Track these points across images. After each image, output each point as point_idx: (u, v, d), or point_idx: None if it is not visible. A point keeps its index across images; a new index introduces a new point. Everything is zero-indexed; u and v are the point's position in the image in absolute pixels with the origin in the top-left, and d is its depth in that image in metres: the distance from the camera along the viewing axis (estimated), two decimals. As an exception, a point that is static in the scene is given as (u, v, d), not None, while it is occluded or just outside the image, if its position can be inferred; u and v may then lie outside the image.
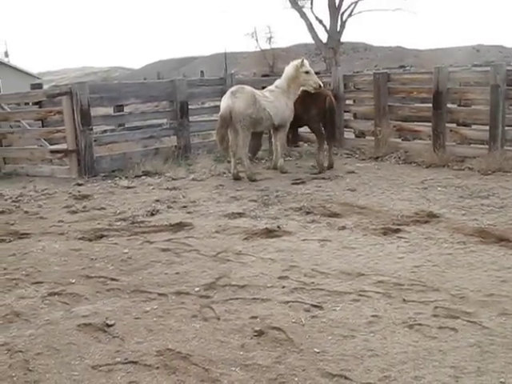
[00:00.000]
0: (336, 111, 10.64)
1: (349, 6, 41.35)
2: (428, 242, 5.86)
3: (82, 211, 7.87)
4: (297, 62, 9.89)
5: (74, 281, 5.16)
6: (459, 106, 11.57)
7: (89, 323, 4.24)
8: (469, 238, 5.91)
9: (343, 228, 6.48)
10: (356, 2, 41.57)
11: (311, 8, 41.16)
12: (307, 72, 9.76)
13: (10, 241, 6.58)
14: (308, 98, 9.95)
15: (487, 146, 9.76)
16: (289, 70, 9.96)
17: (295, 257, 5.55)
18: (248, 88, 9.66)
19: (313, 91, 9.83)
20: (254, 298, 4.58)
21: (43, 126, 11.91)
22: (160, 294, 4.75)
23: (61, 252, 6.04)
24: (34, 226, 7.17)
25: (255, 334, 3.97)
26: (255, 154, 11.11)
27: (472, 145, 10.38)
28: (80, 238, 6.51)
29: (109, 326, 4.19)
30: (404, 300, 4.43)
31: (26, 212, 7.98)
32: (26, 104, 12.86)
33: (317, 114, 10.13)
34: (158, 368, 3.59)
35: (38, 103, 12.00)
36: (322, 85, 9.79)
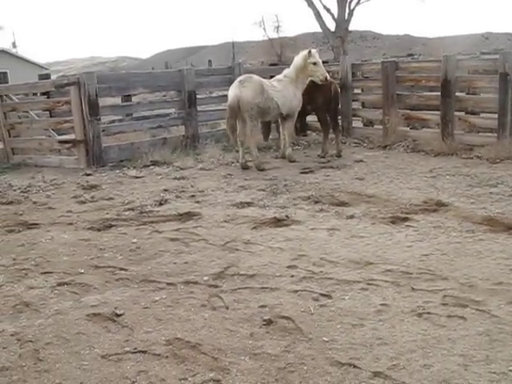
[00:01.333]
0: (340, 100, 10.77)
1: (357, -6, 41.08)
2: (436, 231, 5.84)
3: (90, 201, 7.89)
4: (305, 52, 9.85)
5: (82, 271, 5.18)
6: (468, 94, 11.48)
7: (98, 313, 4.26)
8: (477, 227, 5.89)
9: (351, 217, 6.47)
10: (364, -10, 41.30)
11: (319, -4, 40.88)
12: (315, 63, 9.72)
13: (19, 231, 6.61)
14: (314, 86, 9.96)
15: (496, 135, 9.70)
16: (297, 59, 9.94)
17: (304, 246, 5.55)
18: (256, 77, 9.63)
19: (319, 82, 9.81)
20: (263, 288, 4.58)
21: (51, 117, 11.93)
22: (169, 284, 4.77)
23: (69, 242, 6.07)
24: (43, 217, 7.20)
25: (264, 323, 3.97)
26: (266, 139, 11.15)
27: (480, 133, 10.31)
28: (89, 228, 6.54)
29: (118, 315, 4.21)
30: (413, 288, 4.42)
31: (35, 202, 8.01)
32: (34, 94, 12.90)
33: (323, 102, 10.21)
34: (167, 357, 3.60)
35: (46, 93, 12.02)
36: (328, 77, 9.76)
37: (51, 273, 5.17)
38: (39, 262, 5.48)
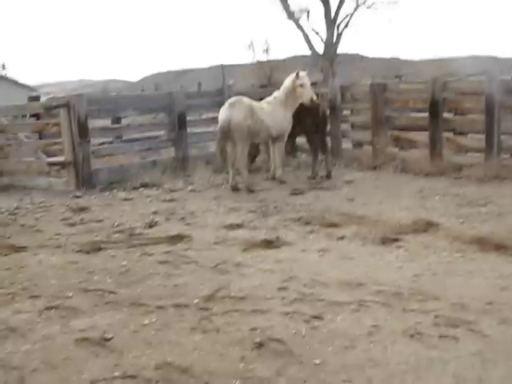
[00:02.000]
0: (328, 121, 10.86)
1: (344, 18, 41.60)
2: (427, 251, 5.84)
3: (79, 224, 7.83)
4: (294, 74, 9.92)
5: (71, 294, 5.12)
6: (455, 115, 11.58)
7: (86, 337, 4.19)
8: (468, 246, 5.89)
9: (342, 238, 6.46)
10: (351, 14, 41.82)
11: (307, 19, 41.37)
12: (302, 85, 9.78)
13: (7, 254, 6.52)
14: (302, 108, 10.02)
15: (484, 155, 9.77)
16: (286, 82, 10.03)
17: (294, 267, 5.52)
18: (246, 99, 9.69)
19: (308, 104, 9.86)
20: (254, 310, 4.54)
21: (40, 139, 11.90)
22: (159, 307, 4.71)
23: (58, 265, 6.00)
24: (31, 239, 7.13)
25: (255, 345, 3.93)
26: (253, 162, 11.17)
27: (469, 153, 10.39)
28: (77, 251, 6.47)
29: (107, 339, 4.15)
30: (404, 309, 4.40)
31: (23, 225, 7.94)
32: (24, 116, 12.87)
33: (312, 123, 10.29)
34: (157, 382, 3.55)
35: (36, 115, 12.00)
36: (314, 98, 9.81)
37: (39, 297, 5.10)
38: (27, 286, 5.40)
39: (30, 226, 7.84)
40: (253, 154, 11.07)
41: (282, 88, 10.06)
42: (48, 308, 4.81)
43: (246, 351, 3.87)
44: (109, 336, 4.18)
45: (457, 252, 5.75)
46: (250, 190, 9.38)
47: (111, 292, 5.12)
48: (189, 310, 4.61)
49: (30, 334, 4.32)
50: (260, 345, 3.93)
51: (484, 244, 5.91)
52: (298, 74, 9.81)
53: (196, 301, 4.78)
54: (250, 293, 4.90)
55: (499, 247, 5.78)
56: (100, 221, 7.90)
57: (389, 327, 4.11)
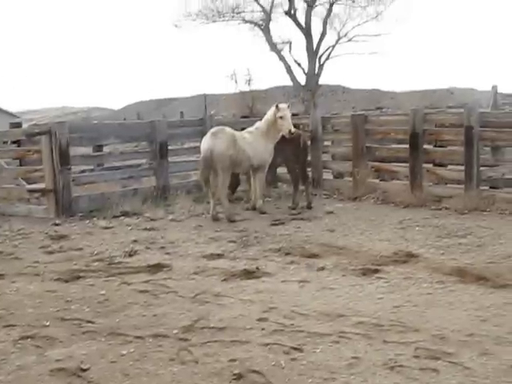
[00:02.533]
0: (309, 152, 10.92)
1: (326, 50, 42.20)
2: (407, 282, 5.85)
3: (58, 252, 7.75)
4: (274, 106, 10.00)
5: (48, 323, 5.03)
6: (435, 146, 11.73)
7: (62, 368, 4.11)
8: (448, 278, 5.92)
9: (322, 269, 6.45)
10: (333, 46, 42.45)
11: (290, 51, 41.90)
12: (281, 117, 9.86)
13: (-16, 282, 6.42)
14: (283, 138, 10.08)
15: (463, 186, 9.88)
16: (268, 114, 10.15)
17: (274, 298, 5.50)
18: (228, 129, 9.75)
19: (287, 136, 9.90)
20: (233, 341, 4.50)
21: (21, 165, 11.82)
22: (137, 337, 4.65)
23: (35, 293, 5.91)
24: (9, 267, 7.02)
25: (234, 377, 3.89)
26: (234, 192, 11.17)
27: (448, 185, 10.50)
28: (56, 279, 6.39)
29: (83, 370, 4.07)
30: (384, 341, 4.39)
31: (1, 252, 7.82)
32: (5, 143, 12.79)
33: (292, 154, 10.36)
34: (133, 414, 3.48)
35: (17, 142, 11.93)
36: (293, 130, 9.84)
37: (14, 326, 5.01)
38: (2, 315, 5.30)
39: (8, 254, 7.73)
40: (234, 185, 11.09)
41: (264, 119, 10.16)
42: (23, 337, 4.73)
43: (224, 383, 3.83)
44: (85, 366, 4.11)
45: (437, 283, 5.77)
46: (231, 220, 9.37)
47: (89, 321, 5.05)
48: (167, 341, 4.56)
49: (3, 365, 4.23)
50: (239, 376, 3.88)
51: (464, 275, 5.95)
52: (277, 106, 9.90)
53: (175, 331, 4.73)
54: (229, 323, 4.86)
55: (479, 278, 5.82)
56: (79, 249, 7.83)
57: (369, 359, 4.09)
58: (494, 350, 4.18)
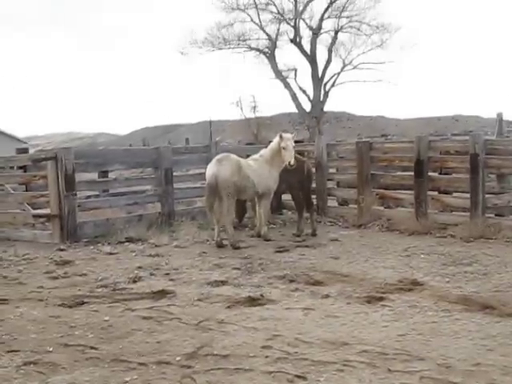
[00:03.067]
0: (313, 179, 10.96)
1: (331, 77, 42.55)
2: (412, 310, 5.81)
3: (62, 277, 7.74)
4: (278, 135, 10.04)
5: (51, 349, 5.02)
6: (440, 174, 11.75)
7: (65, 394, 4.09)
8: (453, 306, 5.88)
9: (327, 296, 6.42)
10: (338, 73, 42.81)
11: (295, 78, 42.25)
12: (284, 148, 9.90)
13: (-13, 307, 6.41)
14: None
15: (469, 214, 9.86)
16: (273, 142, 10.22)
17: (278, 326, 5.47)
18: (233, 156, 9.82)
19: (288, 167, 9.89)
20: (237, 369, 4.47)
21: (27, 190, 11.88)
22: (140, 364, 4.62)
23: (39, 319, 5.90)
24: (13, 292, 7.02)
25: (237, 405, 3.85)
26: (241, 220, 11.19)
27: (454, 212, 10.48)
28: (60, 305, 6.38)
29: (86, 397, 4.05)
30: (389, 370, 4.35)
31: (5, 277, 7.83)
32: (11, 168, 12.87)
33: (297, 181, 10.39)
34: None
35: (23, 167, 12.01)
36: (292, 163, 9.83)
37: (17, 351, 4.99)
38: (5, 340, 5.29)
39: (13, 279, 7.73)
40: (241, 212, 11.11)
41: (269, 147, 10.24)
42: (26, 363, 4.71)
43: (228, 411, 3.79)
44: (88, 394, 4.08)
45: (442, 311, 5.73)
46: (236, 247, 9.36)
47: (92, 347, 5.03)
48: (171, 368, 4.53)
49: (6, 391, 4.21)
50: (243, 405, 3.84)
51: (470, 304, 5.91)
52: (281, 136, 9.95)
53: (178, 358, 4.71)
54: (233, 351, 4.83)
55: (485, 307, 5.78)
56: (84, 275, 7.82)
57: (374, 388, 4.05)
58: (501, 380, 4.13)
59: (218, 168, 9.51)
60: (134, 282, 7.32)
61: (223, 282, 7.17)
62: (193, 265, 8.24)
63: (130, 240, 10.10)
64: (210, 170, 9.64)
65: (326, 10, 42.11)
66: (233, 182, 9.48)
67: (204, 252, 9.11)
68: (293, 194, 10.79)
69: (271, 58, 42.23)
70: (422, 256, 8.31)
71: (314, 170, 11.63)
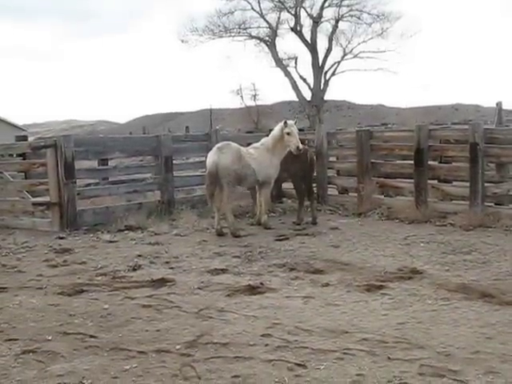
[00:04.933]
0: (315, 167, 10.93)
1: (332, 66, 42.45)
2: (412, 299, 5.81)
3: (62, 265, 7.74)
4: (282, 122, 10.00)
5: (50, 338, 5.02)
6: (440, 162, 11.72)
7: (64, 383, 4.09)
8: (453, 294, 5.88)
9: (327, 285, 6.42)
10: (339, 62, 42.69)
11: (295, 67, 42.14)
12: (289, 133, 9.87)
13: (-14, 295, 6.41)
14: (290, 154, 10.07)
15: (468, 202, 9.86)
16: (276, 130, 10.15)
17: (278, 314, 5.47)
18: (234, 144, 9.80)
19: (294, 152, 9.89)
20: (237, 357, 4.47)
21: (26, 178, 11.86)
22: (140, 352, 4.63)
23: (38, 307, 5.90)
24: (12, 280, 7.02)
25: (237, 393, 3.85)
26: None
27: (453, 201, 10.47)
28: (59, 293, 6.38)
29: (85, 385, 4.05)
30: (389, 358, 4.35)
31: (4, 265, 7.82)
32: (10, 155, 12.84)
33: (299, 170, 10.35)
34: (135, 430, 3.45)
35: (22, 155, 11.98)
36: (301, 147, 9.83)
37: (16, 340, 4.99)
38: (4, 328, 5.29)
39: (12, 267, 7.73)
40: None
41: (271, 135, 10.18)
42: (25, 352, 4.71)
43: (227, 399, 3.79)
44: (87, 382, 4.09)
45: (442, 300, 5.73)
46: (236, 235, 9.35)
47: (92, 336, 5.03)
48: (170, 356, 4.53)
49: (4, 380, 4.21)
50: (242, 393, 3.85)
51: (469, 292, 5.91)
52: (285, 123, 9.92)
53: (178, 347, 4.71)
54: (233, 339, 4.83)
55: (484, 295, 5.78)
56: (83, 263, 7.82)
57: (373, 376, 4.06)
58: (500, 368, 4.13)
59: (219, 156, 9.49)
60: (134, 270, 7.32)
61: (223, 271, 7.17)
62: (193, 253, 8.23)
63: (129, 228, 10.09)
64: (211, 158, 9.61)
65: (327, -2, 41.92)
66: (233, 170, 9.46)
67: (204, 240, 9.11)
68: (294, 182, 10.74)
69: (272, 46, 42.09)
70: (422, 244, 8.31)
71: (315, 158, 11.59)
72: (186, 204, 11.84)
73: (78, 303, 6.01)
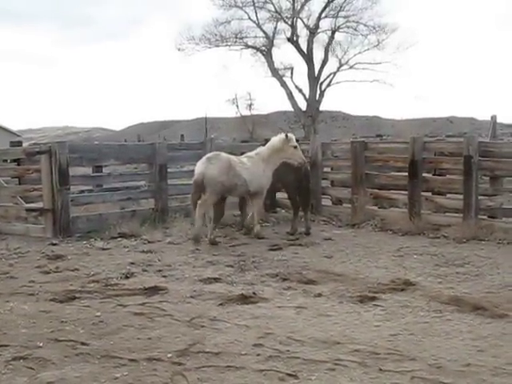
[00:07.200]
0: (310, 178, 10.94)
1: (328, 76, 42.67)
2: (404, 310, 5.82)
3: (54, 272, 7.70)
4: (283, 135, 9.97)
5: (41, 344, 4.99)
6: (434, 175, 11.76)
7: (54, 390, 4.07)
8: (445, 307, 5.89)
9: (319, 295, 6.42)
10: (335, 73, 42.90)
11: (291, 77, 42.33)
12: (295, 147, 9.90)
13: (-23, 301, 6.37)
14: (284, 165, 10.08)
15: (462, 215, 9.88)
16: (275, 141, 10.06)
17: (271, 324, 5.46)
18: (224, 155, 9.73)
19: (297, 165, 9.92)
20: (228, 366, 4.46)
21: (20, 184, 11.82)
22: (131, 360, 4.61)
23: (30, 314, 5.86)
24: (3, 286, 6.98)
25: (228, 403, 3.84)
26: (218, 221, 10.69)
27: (447, 213, 10.49)
28: (51, 300, 6.35)
29: (76, 392, 4.03)
30: (380, 369, 4.35)
31: (-4, 271, 7.79)
32: (5, 161, 12.82)
33: (294, 180, 10.34)
34: None
35: (17, 160, 11.96)
36: (305, 161, 9.88)
37: (7, 346, 4.95)
38: (-5, 335, 5.27)
39: (4, 273, 7.69)
40: (219, 212, 10.50)
41: (268, 146, 10.11)
42: (16, 358, 4.68)
43: (218, 409, 3.78)
44: (77, 390, 4.06)
45: (434, 312, 5.74)
46: (196, 241, 9.40)
47: (83, 343, 5.00)
48: (162, 365, 4.52)
49: (-6, 387, 4.18)
50: (233, 403, 3.83)
51: (461, 304, 5.91)
52: (287, 136, 9.90)
53: (169, 355, 4.69)
54: (224, 348, 4.82)
55: (477, 308, 5.78)
56: (76, 270, 7.78)
57: (365, 388, 4.05)
58: (492, 381, 4.14)
59: (207, 166, 9.46)
60: (127, 277, 7.30)
61: (216, 280, 7.15)
62: (186, 261, 8.22)
63: (122, 236, 10.06)
64: (199, 168, 9.58)
65: (324, 9, 42.28)
66: (219, 181, 9.41)
67: (197, 249, 9.09)
68: (289, 193, 10.74)
69: (268, 56, 42.29)
70: (415, 256, 8.32)
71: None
72: (179, 212, 11.80)
73: (69, 310, 5.99)
